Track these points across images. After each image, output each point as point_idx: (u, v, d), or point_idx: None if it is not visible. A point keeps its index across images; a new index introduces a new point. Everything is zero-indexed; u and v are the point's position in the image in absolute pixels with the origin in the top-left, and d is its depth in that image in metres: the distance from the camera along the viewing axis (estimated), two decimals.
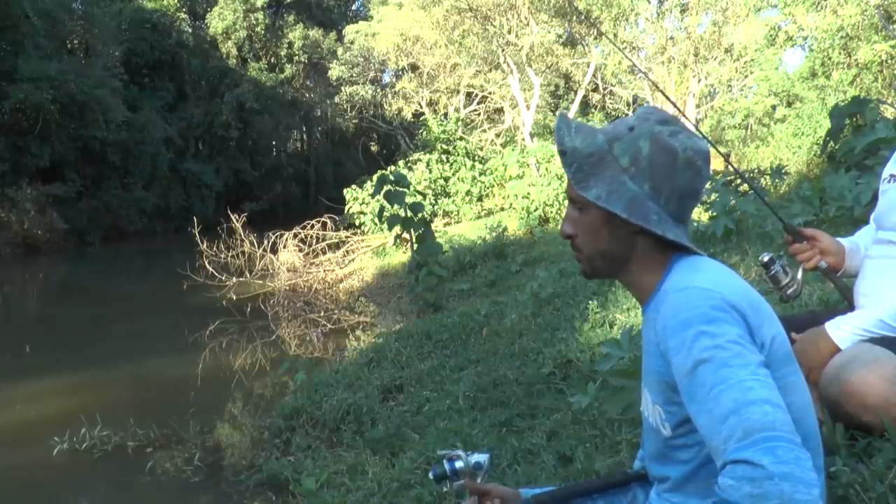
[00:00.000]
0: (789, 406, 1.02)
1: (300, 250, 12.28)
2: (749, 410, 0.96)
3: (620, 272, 1.29)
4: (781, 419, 0.96)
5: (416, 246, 7.89)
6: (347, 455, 3.84)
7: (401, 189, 7.68)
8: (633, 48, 20.21)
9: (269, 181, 37.30)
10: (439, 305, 7.79)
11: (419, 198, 12.27)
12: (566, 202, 1.32)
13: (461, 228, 14.41)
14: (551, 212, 12.47)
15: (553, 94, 31.87)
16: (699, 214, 6.41)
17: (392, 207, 7.75)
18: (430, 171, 16.79)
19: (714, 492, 0.95)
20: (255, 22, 35.29)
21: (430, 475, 1.46)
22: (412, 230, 7.83)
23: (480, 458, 1.46)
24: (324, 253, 12.77)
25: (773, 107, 29.11)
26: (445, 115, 23.42)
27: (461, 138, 19.13)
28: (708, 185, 5.85)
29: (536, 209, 12.48)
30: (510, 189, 13.71)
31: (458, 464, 1.44)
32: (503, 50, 19.69)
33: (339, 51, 30.10)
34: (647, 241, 1.24)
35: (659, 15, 20.13)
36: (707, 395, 1.02)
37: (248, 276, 11.31)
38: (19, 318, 11.92)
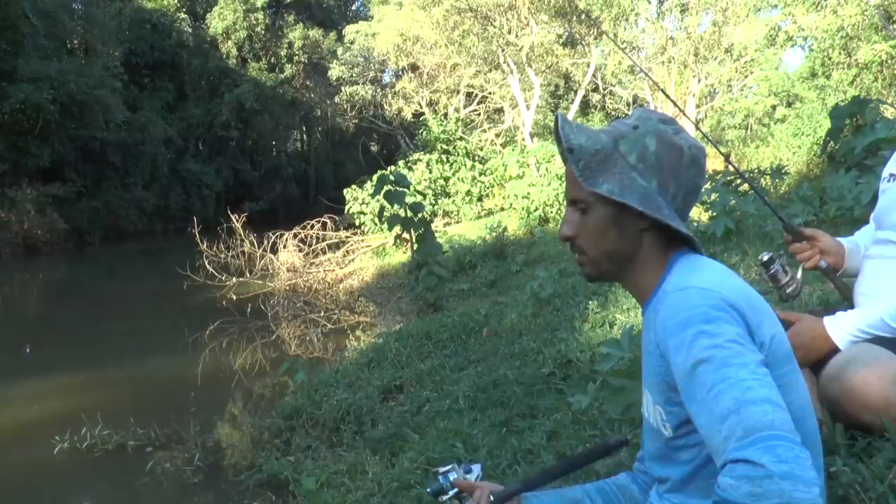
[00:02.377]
0: (789, 405, 1.02)
1: (300, 250, 12.27)
2: (749, 410, 0.96)
3: (625, 272, 1.28)
4: (781, 418, 0.96)
5: (416, 246, 7.89)
6: (347, 455, 3.83)
7: (401, 189, 7.67)
8: (633, 48, 20.21)
9: (269, 181, 37.34)
10: (439, 305, 7.78)
11: (419, 198, 12.27)
12: (566, 204, 1.32)
13: (461, 228, 14.41)
14: (551, 212, 12.47)
15: (553, 94, 31.87)
16: (699, 214, 6.42)
17: (392, 207, 7.74)
18: (430, 171, 16.79)
19: (715, 492, 0.95)
20: (255, 22, 35.31)
21: (428, 491, 1.47)
22: (412, 230, 7.82)
23: (472, 465, 1.49)
24: (324, 253, 12.76)
25: (773, 107, 29.15)
26: (445, 115, 23.42)
27: (461, 138, 19.13)
28: (708, 185, 5.88)
29: (536, 209, 12.48)
30: (510, 189, 13.71)
31: (452, 475, 1.47)
32: (503, 50, 19.69)
33: (339, 51, 30.12)
34: (653, 239, 1.25)
35: (659, 15, 20.12)
36: (707, 395, 1.02)
37: (248, 276, 11.30)
38: (19, 318, 11.91)
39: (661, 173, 1.21)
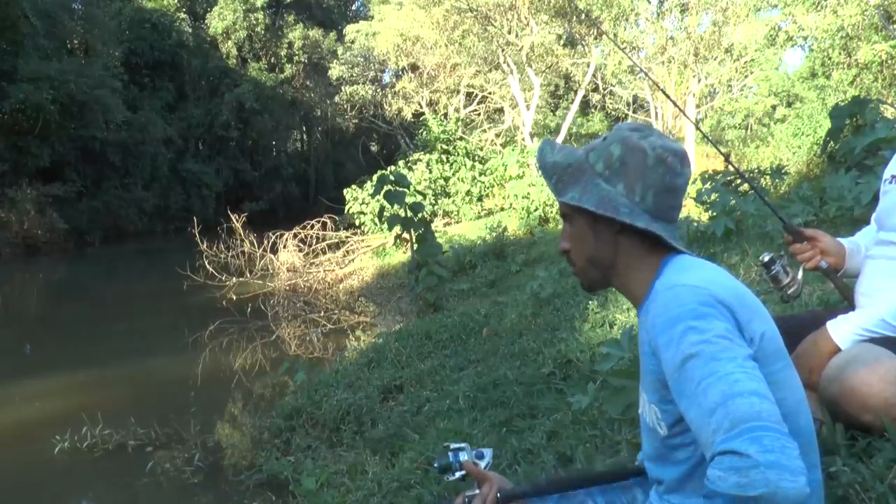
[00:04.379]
0: (782, 401, 1.03)
1: (300, 250, 12.28)
2: (736, 402, 0.98)
3: (612, 277, 1.32)
4: (768, 410, 0.97)
5: (416, 246, 7.89)
6: (347, 455, 3.83)
7: (401, 189, 7.67)
8: (633, 48, 20.19)
9: (269, 181, 37.33)
10: (439, 305, 7.78)
11: (419, 198, 12.26)
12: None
13: (461, 228, 14.41)
14: (551, 212, 12.46)
15: (553, 94, 31.88)
16: (699, 214, 6.41)
17: (392, 207, 7.74)
18: (430, 171, 16.79)
19: (705, 484, 0.96)
20: (255, 22, 35.30)
21: (435, 465, 1.48)
22: (412, 230, 7.83)
23: (484, 450, 1.49)
24: (324, 253, 12.76)
25: (773, 107, 29.15)
26: (445, 115, 23.42)
27: (461, 138, 19.13)
28: (708, 185, 5.87)
29: (536, 209, 12.48)
30: (510, 189, 13.71)
31: (463, 455, 1.46)
32: (503, 50, 19.69)
33: (339, 51, 30.13)
34: (631, 242, 1.27)
35: (659, 15, 20.11)
36: (696, 389, 1.03)
37: (248, 276, 11.30)
38: (19, 318, 11.91)
39: (627, 176, 1.25)
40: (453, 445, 1.49)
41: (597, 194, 1.25)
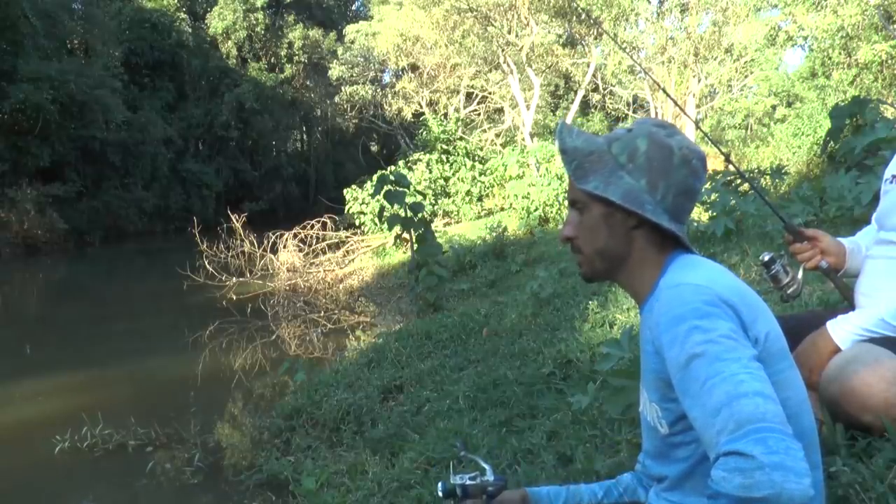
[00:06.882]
0: (785, 401, 1.02)
1: (300, 250, 12.28)
2: (741, 403, 0.97)
3: (619, 272, 1.30)
4: (773, 411, 0.97)
5: (416, 246, 7.89)
6: (347, 455, 3.83)
7: (401, 189, 7.67)
8: (633, 48, 20.21)
9: (269, 181, 37.35)
10: (439, 305, 7.78)
11: (419, 198, 12.26)
12: (567, 205, 1.34)
13: (461, 228, 14.40)
14: (551, 212, 12.46)
15: (553, 94, 31.89)
16: (699, 214, 6.42)
17: (392, 207, 7.74)
18: (430, 171, 16.80)
19: (708, 485, 0.96)
20: (255, 22, 35.33)
21: (439, 490, 1.44)
22: (412, 230, 7.82)
23: (494, 486, 1.42)
24: (324, 253, 12.76)
25: (773, 107, 29.17)
26: (445, 115, 23.42)
27: (461, 138, 19.14)
28: (708, 185, 5.87)
29: (536, 209, 12.48)
30: (510, 189, 13.70)
31: (470, 483, 1.42)
32: (503, 50, 19.69)
33: (339, 51, 30.13)
34: (645, 238, 1.26)
35: (659, 15, 20.13)
36: (700, 389, 1.03)
37: (248, 276, 11.30)
38: (19, 318, 11.91)
39: (651, 172, 1.23)
40: (462, 477, 1.43)
41: (622, 187, 1.23)
